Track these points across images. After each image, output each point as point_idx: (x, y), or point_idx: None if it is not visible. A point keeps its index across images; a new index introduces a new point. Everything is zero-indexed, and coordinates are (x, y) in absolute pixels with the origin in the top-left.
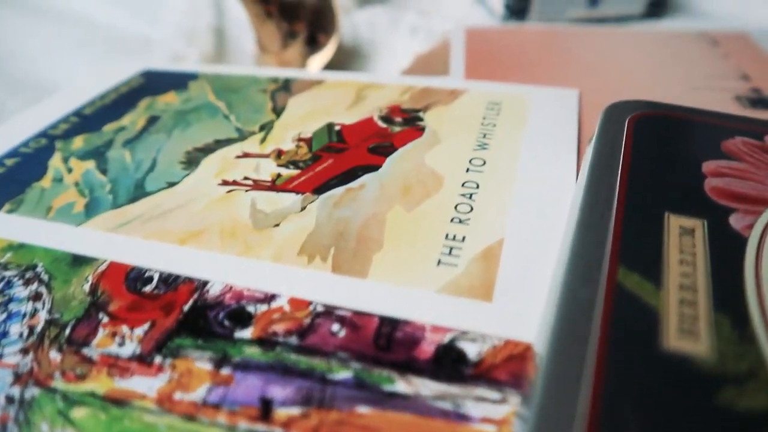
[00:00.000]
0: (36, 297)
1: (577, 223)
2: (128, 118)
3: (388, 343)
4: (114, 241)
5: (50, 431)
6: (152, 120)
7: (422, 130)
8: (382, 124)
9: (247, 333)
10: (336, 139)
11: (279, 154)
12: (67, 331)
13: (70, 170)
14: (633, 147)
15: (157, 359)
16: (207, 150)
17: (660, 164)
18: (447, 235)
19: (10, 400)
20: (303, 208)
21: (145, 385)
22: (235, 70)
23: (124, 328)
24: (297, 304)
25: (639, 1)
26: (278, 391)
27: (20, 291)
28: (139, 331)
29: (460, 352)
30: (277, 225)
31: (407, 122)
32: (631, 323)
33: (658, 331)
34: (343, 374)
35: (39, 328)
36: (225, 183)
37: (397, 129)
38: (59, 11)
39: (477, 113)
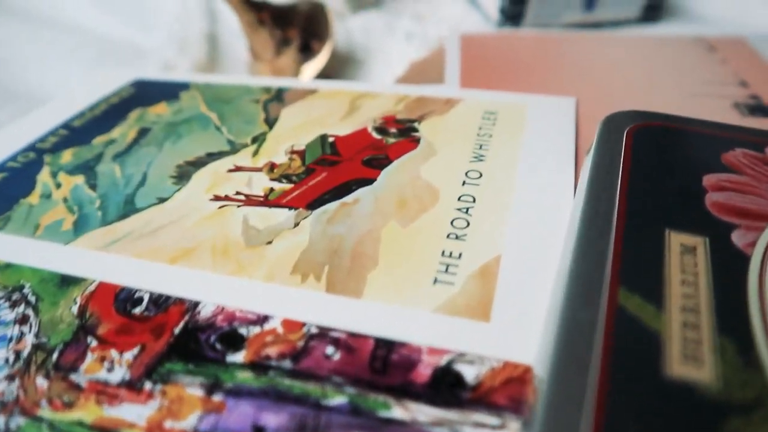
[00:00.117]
0: (23, 320)
1: (576, 242)
2: (118, 131)
3: (384, 367)
4: (103, 260)
5: None
6: (143, 132)
7: (417, 141)
8: (376, 136)
9: (239, 357)
10: (330, 151)
11: (272, 167)
12: (55, 356)
13: (58, 185)
14: (632, 160)
15: (147, 385)
16: (198, 163)
17: (660, 178)
18: (443, 252)
19: None
20: (296, 225)
21: (134, 412)
22: (227, 80)
23: (113, 353)
24: (290, 325)
25: (635, 6)
26: (271, 418)
27: (6, 314)
28: (129, 355)
29: (457, 375)
30: (270, 242)
31: (402, 133)
32: (632, 349)
33: (660, 357)
34: (338, 400)
35: (25, 353)
36: (217, 198)
37: (391, 140)
38: (50, 18)
39: (473, 123)
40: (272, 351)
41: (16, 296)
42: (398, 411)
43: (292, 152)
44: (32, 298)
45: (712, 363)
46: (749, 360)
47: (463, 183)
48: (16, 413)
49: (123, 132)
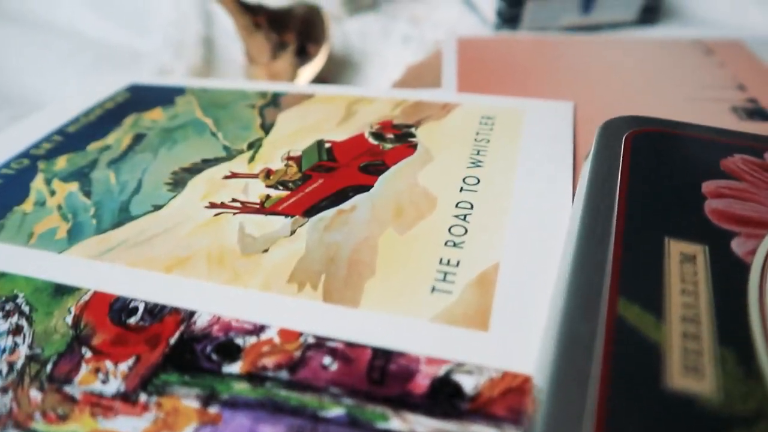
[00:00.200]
0: (16, 331)
1: (575, 251)
2: (113, 137)
3: (382, 377)
4: (98, 269)
5: None
6: (138, 138)
7: (414, 147)
8: (373, 141)
9: (235, 368)
10: (326, 157)
11: (268, 174)
12: (49, 367)
13: (53, 193)
14: (630, 167)
15: (143, 397)
16: (194, 170)
17: (658, 185)
18: (441, 260)
19: None
20: (293, 232)
21: (129, 425)
22: (222, 84)
23: (108, 364)
24: (287, 335)
25: (632, 8)
26: (268, 430)
27: None
28: (124, 366)
29: (456, 386)
30: (266, 250)
31: (399, 139)
32: (632, 360)
33: (661, 369)
34: (336, 411)
35: (19, 365)
36: (212, 206)
37: (388, 146)
38: (46, 22)
39: (470, 128)
40: (269, 361)
41: (9, 306)
42: (396, 422)
43: (289, 158)
44: (26, 308)
45: (712, 374)
46: (750, 371)
47: (461, 189)
48: (10, 426)
49: (118, 138)
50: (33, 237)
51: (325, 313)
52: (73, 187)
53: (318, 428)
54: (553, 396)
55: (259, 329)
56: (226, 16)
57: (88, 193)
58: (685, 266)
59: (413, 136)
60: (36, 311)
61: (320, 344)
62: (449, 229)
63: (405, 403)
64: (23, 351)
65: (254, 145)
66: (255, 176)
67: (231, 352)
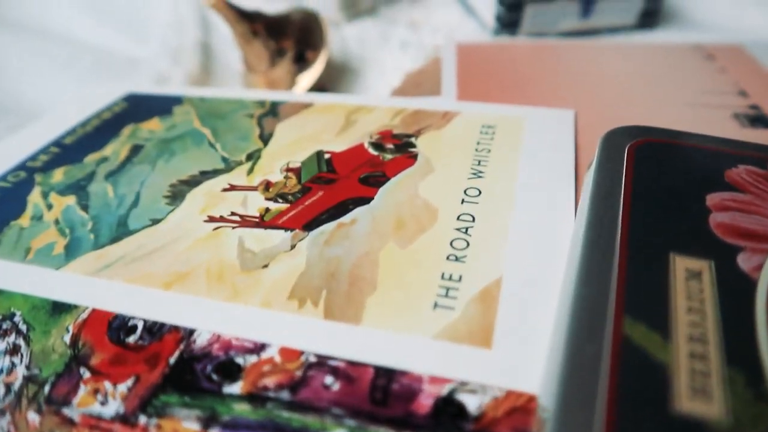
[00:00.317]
0: (13, 350)
1: (579, 268)
2: (111, 148)
3: (385, 397)
4: (96, 286)
5: None
6: (135, 149)
7: (415, 157)
8: (373, 152)
9: (236, 388)
10: (326, 168)
11: (267, 186)
12: (47, 388)
13: (50, 207)
14: (633, 180)
15: (142, 419)
16: (192, 182)
17: (662, 198)
18: (443, 275)
19: None
20: (293, 247)
21: None
22: (221, 93)
23: (107, 385)
24: (288, 354)
25: (631, 12)
26: None
27: None
28: (123, 387)
29: (459, 405)
30: (266, 266)
31: (399, 149)
32: (639, 382)
33: (668, 391)
34: None
35: (16, 386)
36: (211, 219)
37: (388, 156)
38: (43, 29)
39: (471, 138)
40: (270, 381)
41: (6, 325)
42: None
43: (288, 170)
44: (23, 327)
45: (721, 397)
46: (760, 392)
47: (462, 201)
48: None
49: (115, 149)
50: (30, 252)
51: (327, 330)
52: (71, 200)
53: None
54: (559, 419)
55: (259, 348)
56: (223, 23)
57: (85, 207)
58: (690, 283)
59: (413, 146)
60: (33, 330)
61: (322, 363)
62: (451, 243)
63: (408, 423)
64: (21, 372)
65: (253, 157)
66: (254, 189)
67: (231, 371)
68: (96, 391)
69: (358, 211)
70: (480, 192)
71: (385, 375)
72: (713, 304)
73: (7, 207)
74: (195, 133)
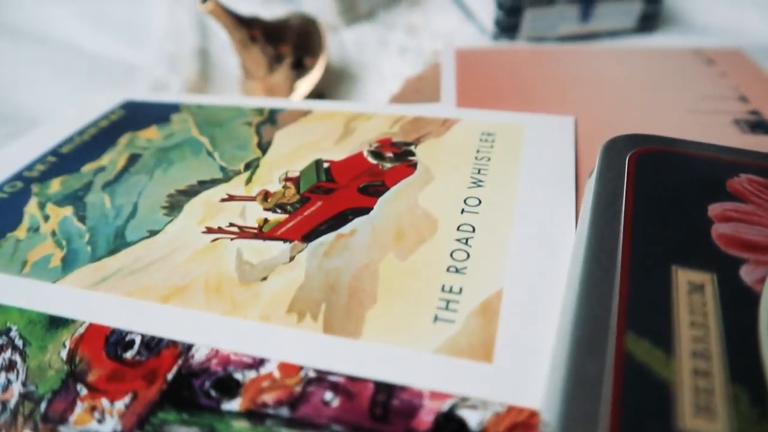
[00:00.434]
0: (9, 366)
1: (580, 282)
2: (108, 157)
3: (385, 413)
4: (93, 299)
5: None
6: (133, 159)
7: (414, 166)
8: (372, 160)
9: (235, 404)
10: (325, 177)
11: (265, 196)
12: (43, 406)
13: (46, 218)
14: (634, 190)
15: None
16: (190, 193)
17: (664, 209)
18: (443, 287)
19: None
20: (292, 258)
21: None
22: (218, 101)
23: (104, 402)
24: (287, 369)
25: (631, 16)
26: None
27: None
28: (120, 404)
29: (460, 422)
30: (265, 278)
31: (398, 157)
32: (642, 400)
33: (672, 409)
34: None
35: (12, 403)
36: (209, 230)
37: (388, 165)
38: (40, 34)
39: (470, 146)
40: (269, 397)
41: (2, 340)
42: None
43: (287, 179)
44: (19, 342)
45: (725, 415)
46: (765, 411)
47: (462, 211)
48: None
49: (113, 159)
50: (27, 265)
51: (326, 345)
52: (68, 211)
53: None
54: None
55: (258, 363)
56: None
57: (82, 218)
58: (693, 297)
59: (413, 154)
60: (30, 345)
61: (321, 378)
62: (451, 254)
63: None
64: (17, 389)
65: (251, 166)
66: (252, 199)
67: (230, 387)
68: (93, 409)
69: (358, 222)
70: (480, 201)
71: (386, 390)
72: (716, 318)
73: (4, 218)
74: (193, 142)
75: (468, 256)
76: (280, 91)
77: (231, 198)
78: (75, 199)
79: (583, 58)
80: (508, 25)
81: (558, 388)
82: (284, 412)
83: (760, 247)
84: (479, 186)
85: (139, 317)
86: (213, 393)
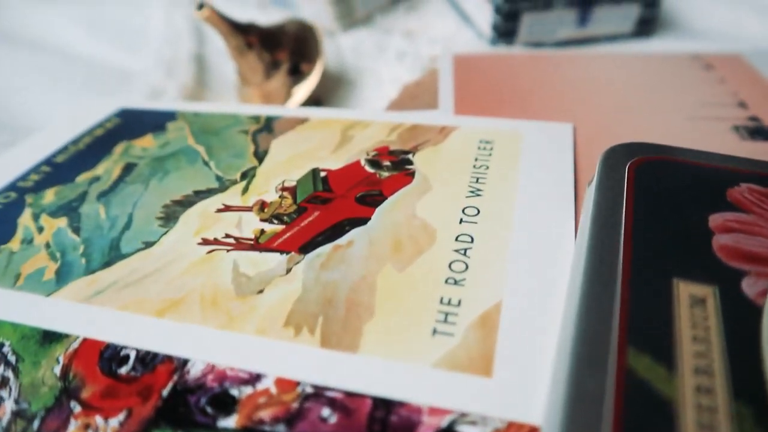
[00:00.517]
0: (2, 383)
1: (581, 295)
2: (103, 167)
3: (383, 430)
4: (87, 313)
5: None
6: (128, 168)
7: (412, 175)
8: (369, 169)
9: (231, 421)
10: (322, 187)
11: (262, 206)
12: (36, 424)
13: (40, 229)
14: (634, 201)
15: None
16: (186, 203)
17: (664, 220)
18: (441, 299)
19: None
20: (288, 271)
21: None
22: (215, 108)
23: (98, 419)
24: (284, 384)
25: (629, 20)
26: None
27: None
28: (115, 422)
29: None
30: (261, 291)
31: (396, 166)
32: (645, 417)
33: (674, 428)
34: None
35: (5, 422)
36: (205, 242)
37: (385, 174)
38: (35, 40)
39: (469, 154)
40: (265, 414)
41: None
42: None
43: (283, 189)
44: (12, 358)
45: None
46: None
47: (461, 221)
48: None
49: (108, 168)
50: (20, 279)
51: (323, 359)
52: (62, 222)
53: None
54: None
55: (254, 378)
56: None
57: (77, 230)
58: (695, 310)
59: (411, 162)
60: (23, 361)
61: (318, 394)
62: (449, 265)
63: None
64: (9, 406)
65: (248, 175)
66: (249, 209)
67: (226, 404)
68: (87, 427)
69: (355, 233)
70: (478, 211)
71: (384, 406)
72: (718, 332)
73: None
74: (189, 151)
75: (467, 267)
76: (277, 98)
77: (227, 208)
78: (69, 209)
79: (581, 64)
80: (505, 30)
81: (559, 405)
82: (281, 429)
83: (761, 258)
84: (478, 195)
85: (134, 331)
86: (209, 410)
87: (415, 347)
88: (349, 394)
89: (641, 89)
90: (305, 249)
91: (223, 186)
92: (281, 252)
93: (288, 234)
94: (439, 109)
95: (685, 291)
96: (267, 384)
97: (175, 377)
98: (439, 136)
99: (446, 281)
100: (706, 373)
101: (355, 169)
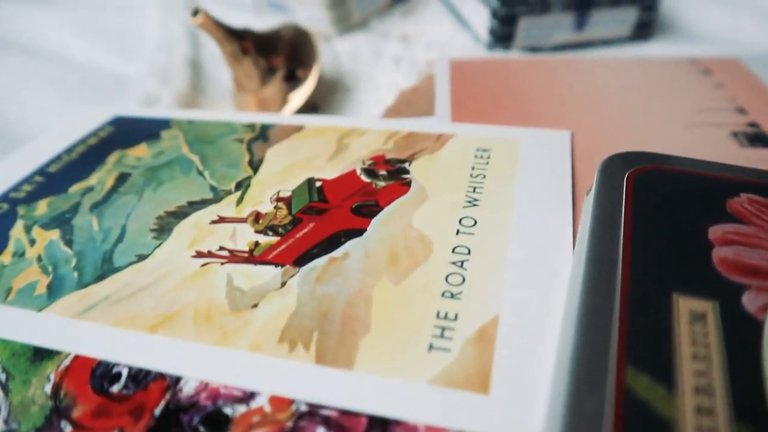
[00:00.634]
0: None
1: (579, 312)
2: (96, 177)
3: None
4: (79, 329)
5: None
6: (122, 178)
7: (408, 184)
8: (365, 179)
9: None
10: (317, 197)
11: (257, 218)
12: None
13: (32, 242)
14: (633, 212)
15: None
16: (180, 214)
17: (663, 232)
18: (438, 313)
19: None
20: (283, 284)
21: None
22: (209, 116)
23: None
24: (278, 403)
25: (626, 24)
26: None
27: None
28: None
29: None
30: (256, 305)
31: (392, 175)
32: None
33: None
34: None
35: None
36: (199, 255)
37: (381, 184)
38: (29, 46)
39: (465, 162)
40: None
41: None
42: None
43: (278, 199)
44: (2, 376)
45: None
46: None
47: (458, 232)
48: None
49: (101, 178)
50: (11, 293)
51: (318, 376)
52: (54, 235)
53: None
54: None
55: (248, 396)
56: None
57: (69, 242)
58: (695, 326)
59: (407, 172)
60: (13, 379)
61: (313, 412)
62: (446, 278)
63: None
64: None
65: (242, 185)
66: (243, 220)
67: (219, 423)
68: None
69: (351, 245)
70: (475, 222)
71: (380, 425)
72: (719, 349)
73: None
74: (183, 160)
75: (463, 280)
76: (273, 104)
77: (221, 220)
78: (62, 221)
79: (578, 69)
80: (502, 34)
81: (557, 426)
82: None
83: (761, 272)
84: (474, 205)
85: (127, 348)
86: (202, 429)
87: (411, 364)
88: (345, 413)
89: (639, 94)
90: (300, 262)
91: (218, 196)
92: (276, 265)
93: (283, 246)
94: (435, 116)
95: (684, 306)
96: (261, 402)
97: (168, 395)
98: (435, 144)
99: (443, 294)
100: (707, 393)
101: (350, 179)
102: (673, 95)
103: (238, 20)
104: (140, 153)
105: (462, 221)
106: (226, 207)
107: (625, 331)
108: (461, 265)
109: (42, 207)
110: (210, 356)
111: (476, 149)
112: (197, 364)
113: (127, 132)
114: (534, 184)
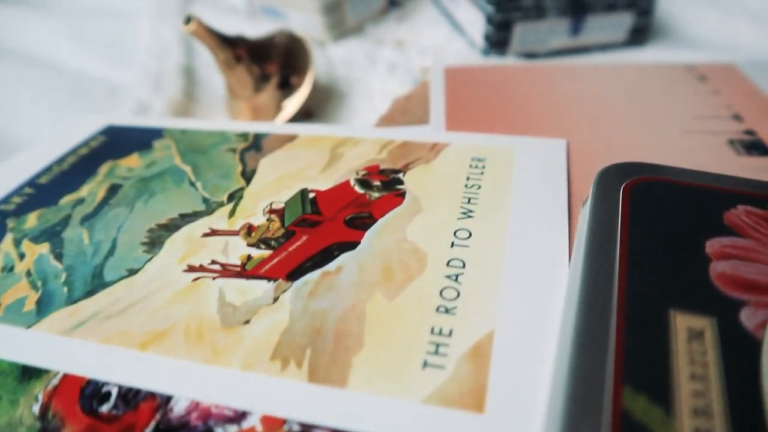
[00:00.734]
0: None
1: (575, 330)
2: (87, 188)
3: None
4: (68, 346)
5: None
6: (113, 189)
7: (402, 195)
8: (359, 190)
9: None
10: (310, 209)
11: (249, 230)
12: None
13: (22, 256)
14: (630, 225)
15: None
16: (171, 227)
17: (660, 246)
18: (432, 329)
19: None
20: (276, 299)
21: None
22: (202, 125)
23: None
24: (270, 422)
25: (621, 29)
26: None
27: None
28: None
29: None
30: (248, 321)
31: (386, 186)
32: None
33: None
34: None
35: None
36: (191, 269)
37: (375, 195)
38: (21, 54)
39: (460, 173)
40: None
41: None
42: None
43: (271, 211)
44: None
45: None
46: None
47: (452, 245)
48: None
49: (92, 190)
50: (0, 309)
51: (311, 395)
52: (44, 248)
53: None
54: None
55: (240, 416)
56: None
57: (59, 256)
58: (693, 345)
59: (401, 182)
60: (0, 399)
61: None
62: (440, 293)
63: None
64: None
65: (235, 197)
66: (236, 233)
67: None
68: None
69: (344, 258)
70: (470, 234)
71: None
72: (717, 368)
73: None
74: (175, 171)
75: (458, 294)
76: (267, 111)
77: (213, 233)
78: (52, 234)
79: (573, 75)
80: (497, 40)
81: None
82: None
83: (760, 287)
84: (469, 217)
85: (116, 366)
86: None
87: (405, 381)
88: None
89: (635, 101)
90: (293, 276)
91: (210, 208)
92: (268, 279)
93: (275, 260)
94: (430, 125)
95: (682, 323)
96: (253, 422)
97: (158, 416)
98: (430, 153)
99: (437, 309)
100: (705, 414)
101: (344, 190)
102: (669, 102)
103: (232, 26)
104: (132, 163)
105: (457, 233)
106: (219, 219)
107: (622, 350)
108: (456, 279)
109: (32, 220)
110: (201, 375)
111: (471, 159)
112: (188, 383)
113: (119, 142)
114: (530, 195)
